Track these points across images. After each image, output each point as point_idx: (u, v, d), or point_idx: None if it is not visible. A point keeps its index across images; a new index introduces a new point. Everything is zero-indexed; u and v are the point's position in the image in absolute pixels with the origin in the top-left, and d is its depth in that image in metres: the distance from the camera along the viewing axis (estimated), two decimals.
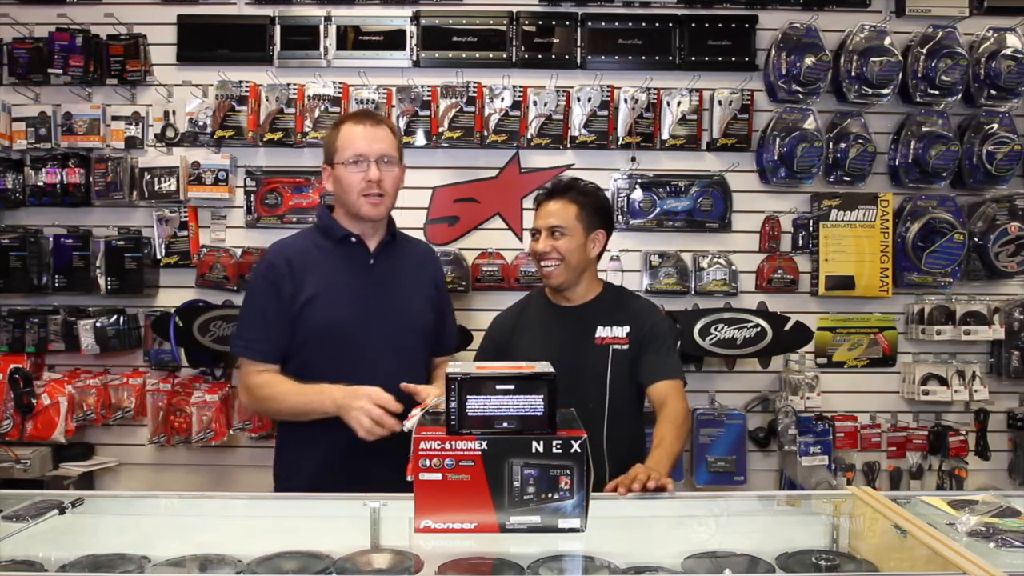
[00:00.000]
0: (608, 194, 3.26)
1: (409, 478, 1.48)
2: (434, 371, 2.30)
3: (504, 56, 3.26)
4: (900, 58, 3.20)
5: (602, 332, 2.30)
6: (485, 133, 3.24)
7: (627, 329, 2.29)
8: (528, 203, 3.31)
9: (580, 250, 2.31)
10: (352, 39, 3.28)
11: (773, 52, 3.25)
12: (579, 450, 1.44)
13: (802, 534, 1.69)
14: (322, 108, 3.21)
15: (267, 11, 3.28)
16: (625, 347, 2.28)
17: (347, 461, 2.03)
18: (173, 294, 3.29)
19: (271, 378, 2.07)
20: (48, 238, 3.26)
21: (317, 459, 2.08)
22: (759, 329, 3.15)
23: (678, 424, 2.13)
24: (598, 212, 2.36)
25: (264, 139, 3.24)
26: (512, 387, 1.47)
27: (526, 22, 3.28)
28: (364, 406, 1.85)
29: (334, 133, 2.14)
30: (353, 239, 2.15)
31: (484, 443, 1.45)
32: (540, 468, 1.45)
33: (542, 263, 2.32)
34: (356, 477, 1.89)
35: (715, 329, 3.13)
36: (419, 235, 3.29)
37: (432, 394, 1.91)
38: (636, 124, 3.25)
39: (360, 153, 2.06)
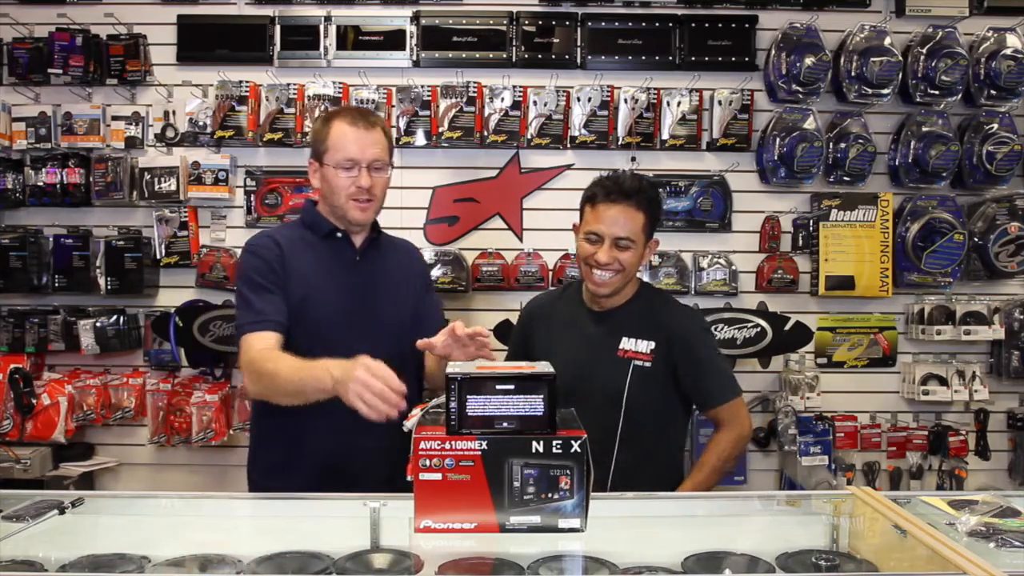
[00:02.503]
0: None
1: (409, 478, 1.48)
2: (429, 359, 2.16)
3: (504, 56, 3.26)
4: (900, 58, 3.20)
5: (626, 344, 2.16)
6: (485, 133, 3.24)
7: (652, 345, 2.15)
8: (528, 203, 3.31)
9: (639, 261, 2.18)
10: (352, 39, 3.28)
11: (773, 52, 3.26)
12: (579, 450, 1.44)
13: (802, 534, 1.69)
14: (322, 108, 3.20)
15: (267, 11, 3.28)
16: (648, 364, 2.14)
17: (335, 462, 1.99)
18: (173, 294, 3.29)
19: (273, 353, 1.92)
20: (48, 238, 3.26)
21: (303, 462, 2.03)
22: (759, 329, 3.16)
23: (719, 460, 2.13)
24: (657, 218, 2.22)
25: (264, 139, 3.24)
26: (512, 387, 1.47)
27: (526, 22, 3.28)
28: (362, 376, 1.62)
29: (325, 129, 2.06)
30: (339, 234, 2.11)
31: (484, 443, 1.45)
32: (540, 468, 1.45)
33: (597, 271, 2.13)
34: (345, 481, 1.84)
35: (715, 329, 3.13)
36: (419, 235, 3.29)
37: (448, 333, 1.84)
38: (636, 124, 3.25)
39: (352, 158, 2.01)
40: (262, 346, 1.92)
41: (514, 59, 3.27)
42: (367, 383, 1.61)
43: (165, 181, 3.21)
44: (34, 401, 3.13)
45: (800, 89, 3.20)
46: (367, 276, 2.12)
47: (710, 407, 2.21)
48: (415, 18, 3.27)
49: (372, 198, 2.05)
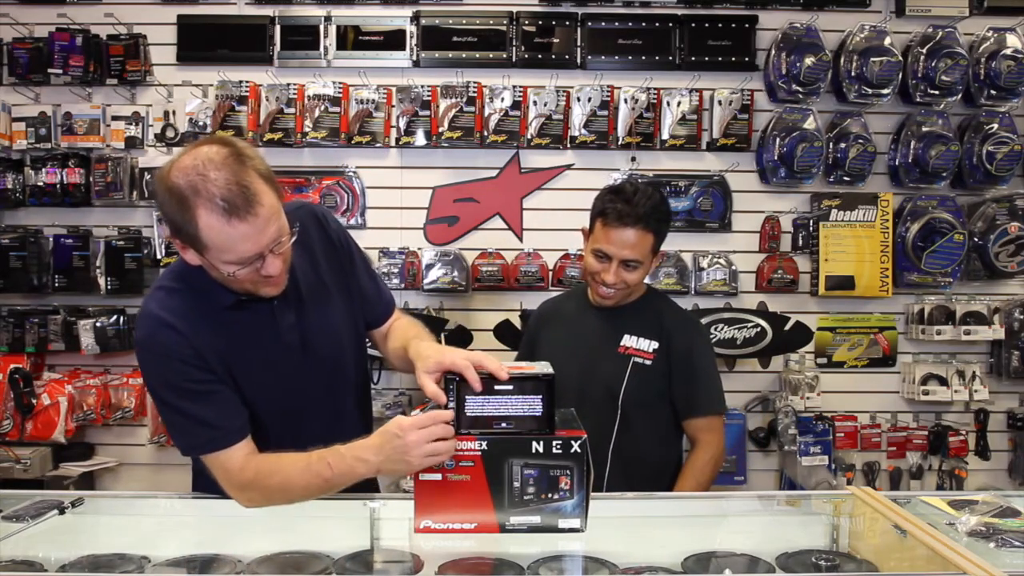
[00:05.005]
0: None
1: (409, 478, 1.48)
2: (387, 343, 1.85)
3: (504, 56, 3.26)
4: (900, 58, 3.20)
5: (628, 341, 2.18)
6: (485, 133, 3.24)
7: (655, 345, 2.17)
8: (528, 203, 3.31)
9: (645, 275, 2.17)
10: (352, 39, 3.28)
11: (773, 52, 3.25)
12: (579, 450, 1.44)
13: (802, 534, 1.69)
14: (322, 108, 3.21)
15: (267, 11, 3.28)
16: (648, 362, 2.16)
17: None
18: None
19: (265, 463, 1.57)
20: (48, 238, 3.26)
21: None
22: (759, 329, 3.16)
23: (697, 480, 2.14)
24: (666, 233, 2.18)
25: (264, 139, 3.23)
26: (511, 387, 1.47)
27: (526, 22, 3.28)
28: (413, 440, 1.40)
29: (188, 217, 1.44)
30: (244, 297, 1.62)
31: (484, 443, 1.45)
32: (540, 468, 1.45)
33: (603, 289, 2.14)
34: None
35: (715, 329, 3.13)
36: (419, 235, 3.30)
37: (472, 361, 1.49)
38: (636, 124, 3.25)
39: (248, 257, 1.49)
40: (242, 462, 1.57)
41: (514, 59, 3.27)
42: (421, 443, 1.41)
43: None
44: (34, 401, 3.13)
45: (800, 89, 3.20)
46: (293, 322, 1.68)
47: (692, 415, 2.21)
48: (415, 18, 3.27)
49: (283, 269, 1.59)
